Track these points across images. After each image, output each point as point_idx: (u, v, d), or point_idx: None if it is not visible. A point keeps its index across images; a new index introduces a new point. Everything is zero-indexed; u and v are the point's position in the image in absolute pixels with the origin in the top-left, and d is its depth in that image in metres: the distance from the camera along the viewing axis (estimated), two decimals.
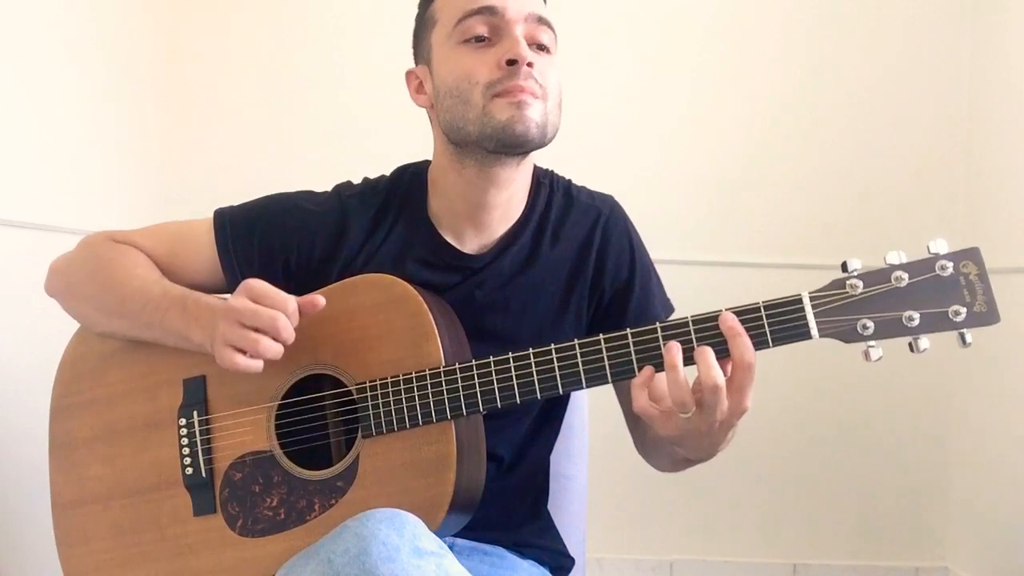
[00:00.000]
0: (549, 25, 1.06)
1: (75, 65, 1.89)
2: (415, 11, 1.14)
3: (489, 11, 1.02)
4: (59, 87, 1.83)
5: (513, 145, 1.02)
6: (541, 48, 1.05)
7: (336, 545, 0.85)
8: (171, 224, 1.20)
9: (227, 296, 1.14)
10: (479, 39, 1.03)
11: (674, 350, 0.88)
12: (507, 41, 1.02)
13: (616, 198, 1.20)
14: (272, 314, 0.96)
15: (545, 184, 1.17)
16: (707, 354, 0.87)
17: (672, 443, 0.95)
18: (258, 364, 0.98)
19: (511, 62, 1.01)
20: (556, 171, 1.20)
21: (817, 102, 2.29)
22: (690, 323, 0.91)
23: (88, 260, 1.15)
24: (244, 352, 0.97)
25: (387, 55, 2.22)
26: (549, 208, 1.15)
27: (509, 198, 1.11)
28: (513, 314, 1.03)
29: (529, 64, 1.01)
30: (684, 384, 0.88)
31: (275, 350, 0.97)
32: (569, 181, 1.20)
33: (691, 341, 0.90)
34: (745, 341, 0.87)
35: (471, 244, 1.12)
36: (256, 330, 0.97)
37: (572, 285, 1.14)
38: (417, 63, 1.13)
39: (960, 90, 2.27)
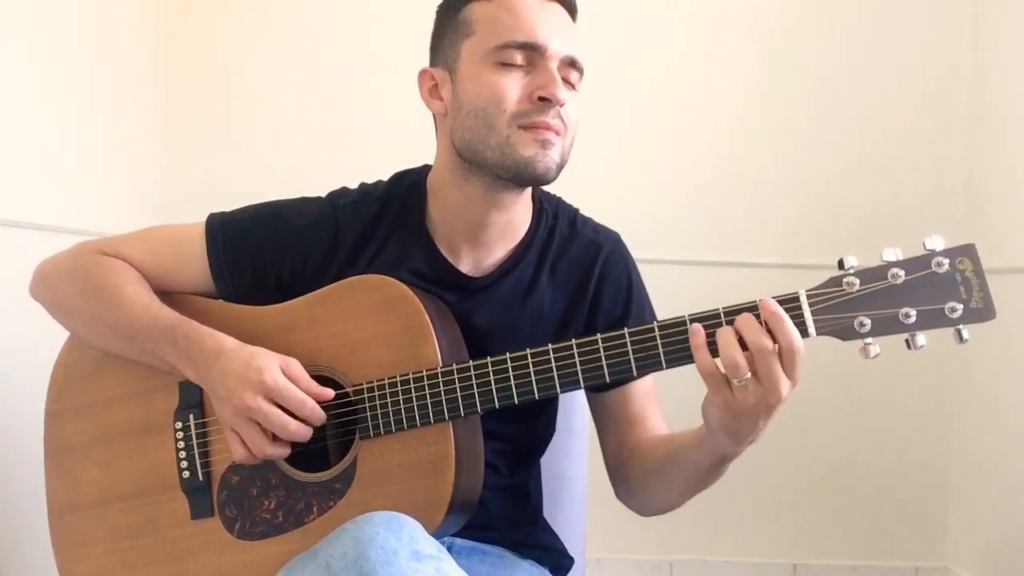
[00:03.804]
0: (581, 70, 1.06)
1: (75, 65, 1.89)
2: (424, 9, 1.11)
3: (531, 47, 1.01)
4: (59, 87, 1.82)
5: (530, 182, 1.03)
6: (567, 83, 1.04)
7: (334, 549, 0.85)
8: (162, 231, 1.18)
9: (220, 299, 1.14)
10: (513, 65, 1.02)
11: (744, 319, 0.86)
12: (543, 76, 1.01)
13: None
14: (283, 422, 0.98)
15: (548, 211, 1.15)
16: (750, 321, 0.85)
17: (723, 429, 0.90)
18: (254, 460, 1.01)
19: (543, 99, 1.00)
20: (564, 198, 1.18)
21: (817, 102, 2.28)
22: (687, 322, 0.90)
23: (76, 276, 1.13)
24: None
25: (388, 55, 2.25)
26: (551, 237, 1.14)
27: (509, 220, 1.10)
28: (509, 342, 1.02)
29: (560, 104, 1.01)
30: (736, 344, 0.85)
31: (277, 454, 1.00)
32: (576, 211, 1.18)
33: (688, 340, 0.89)
34: (790, 327, 0.85)
35: (466, 261, 1.11)
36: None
37: (567, 321, 1.13)
38: (435, 64, 1.09)
39: (960, 89, 2.27)
